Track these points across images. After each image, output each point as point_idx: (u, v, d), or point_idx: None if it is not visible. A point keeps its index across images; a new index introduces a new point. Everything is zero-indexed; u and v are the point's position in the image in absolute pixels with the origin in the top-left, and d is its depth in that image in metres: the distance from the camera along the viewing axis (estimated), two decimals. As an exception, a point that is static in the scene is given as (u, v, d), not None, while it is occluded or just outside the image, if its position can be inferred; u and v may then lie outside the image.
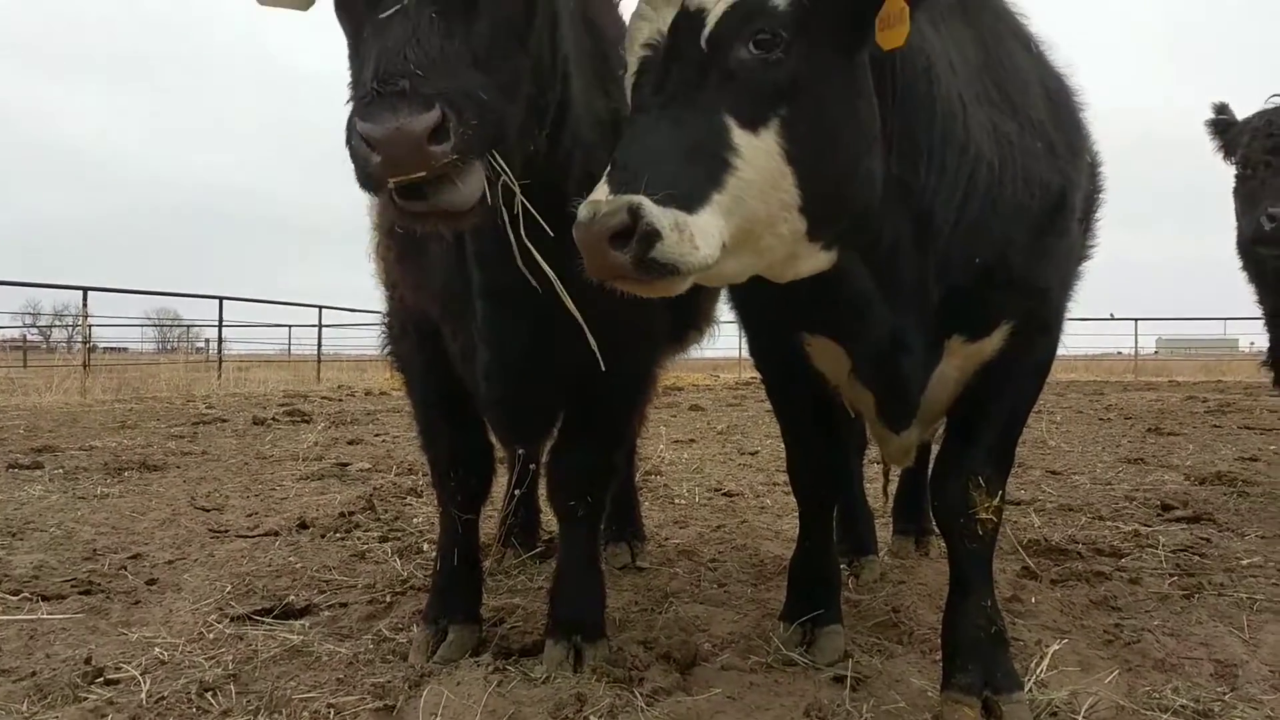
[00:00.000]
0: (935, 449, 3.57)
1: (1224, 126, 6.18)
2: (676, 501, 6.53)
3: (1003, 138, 2.69)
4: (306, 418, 12.71)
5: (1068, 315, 3.23)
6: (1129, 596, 4.03)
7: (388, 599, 4.02)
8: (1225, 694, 3.02)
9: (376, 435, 10.83)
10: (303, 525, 5.50)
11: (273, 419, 12.39)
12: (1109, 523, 5.63)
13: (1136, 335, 34.89)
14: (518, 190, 2.43)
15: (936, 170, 2.55)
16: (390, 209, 2.32)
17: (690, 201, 2.09)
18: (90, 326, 21.01)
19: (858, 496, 4.70)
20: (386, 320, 3.66)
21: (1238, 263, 6.34)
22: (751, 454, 9.14)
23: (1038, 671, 3.09)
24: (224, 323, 26.72)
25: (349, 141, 2.12)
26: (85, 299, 20.28)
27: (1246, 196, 5.80)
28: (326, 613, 3.87)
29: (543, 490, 3.97)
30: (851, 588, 4.21)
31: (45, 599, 3.98)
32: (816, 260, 2.46)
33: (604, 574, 3.55)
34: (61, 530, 5.30)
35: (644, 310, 2.46)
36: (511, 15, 2.38)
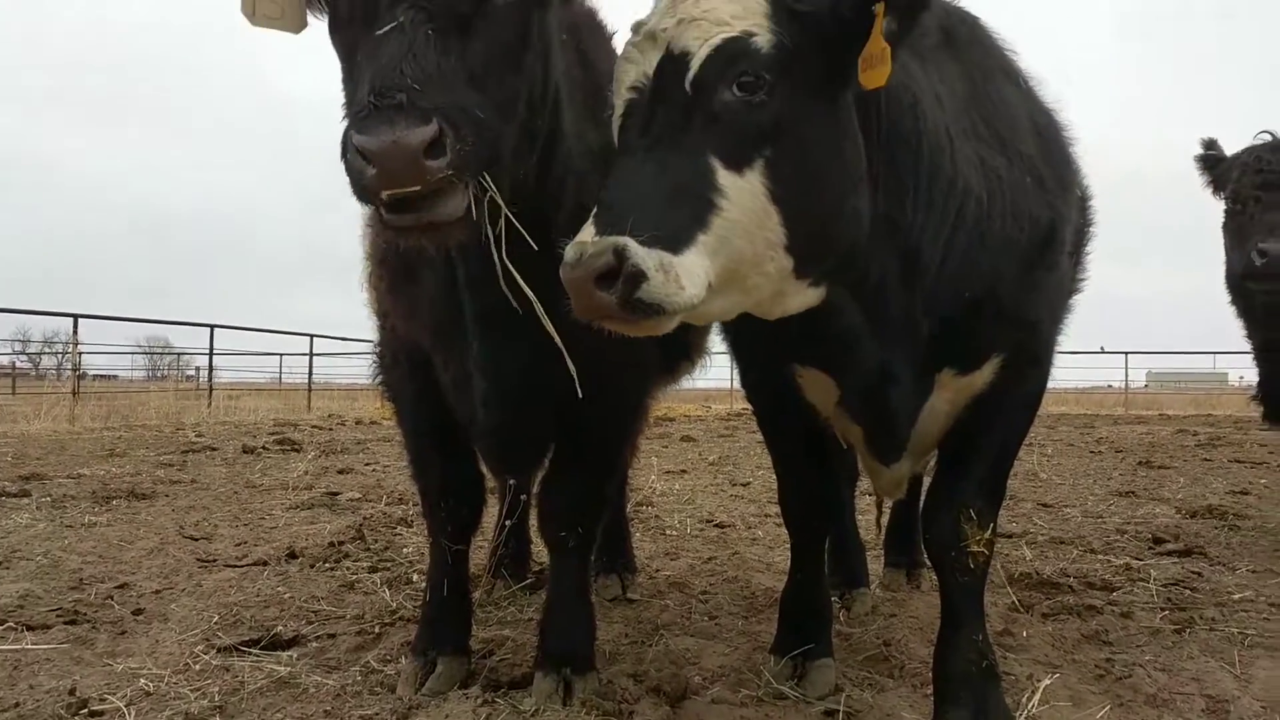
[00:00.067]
0: (927, 481, 3.57)
1: (1213, 162, 6.23)
2: (668, 533, 6.50)
3: (991, 172, 2.72)
4: (297, 446, 12.66)
5: (1058, 348, 3.24)
6: (1120, 631, 4.02)
7: (376, 630, 3.99)
8: (1217, 730, 3.01)
9: (367, 464, 10.78)
10: (292, 555, 5.46)
11: (263, 447, 12.33)
12: (1100, 556, 5.63)
13: (1127, 369, 35.11)
14: (504, 208, 2.43)
15: (924, 206, 2.58)
16: (377, 222, 2.32)
17: (676, 242, 2.11)
18: (80, 354, 20.98)
19: (849, 528, 4.70)
20: (378, 349, 3.66)
21: (1227, 297, 6.37)
22: (743, 485, 9.12)
23: (1029, 706, 3.07)
24: (215, 351, 26.69)
25: (344, 154, 2.12)
26: (76, 326, 20.27)
27: (1236, 231, 5.83)
28: (314, 644, 3.83)
29: (533, 521, 3.96)
30: (843, 620, 4.20)
31: (30, 629, 3.95)
32: (804, 297, 2.48)
33: (594, 606, 3.53)
34: (48, 559, 5.25)
35: (635, 341, 2.47)
36: (507, 37, 2.40)
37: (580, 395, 2.72)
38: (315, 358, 30.00)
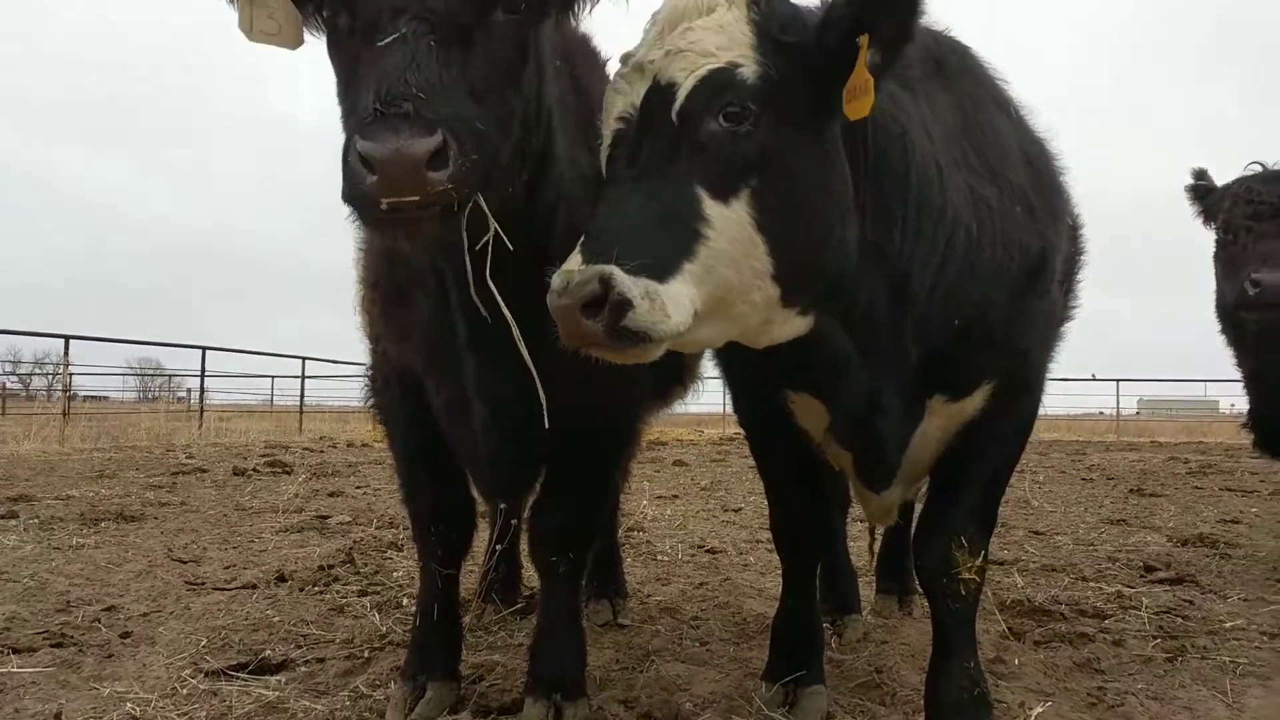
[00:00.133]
0: (919, 508, 3.57)
1: (1204, 192, 6.27)
2: (659, 558, 6.48)
3: (981, 201, 2.74)
4: (287, 469, 12.61)
5: (1049, 375, 3.26)
6: (1112, 659, 4.02)
7: (366, 654, 3.97)
8: (1209, 759, 3.00)
9: (358, 487, 10.74)
10: (281, 578, 5.43)
11: (253, 470, 12.29)
12: (1092, 584, 5.62)
13: (1118, 396, 35.14)
14: (493, 224, 2.43)
15: (912, 235, 2.59)
16: (357, 217, 2.28)
17: (662, 271, 2.13)
18: (71, 375, 20.89)
19: (841, 555, 4.69)
20: (370, 373, 3.66)
21: (1217, 326, 6.40)
22: (735, 510, 9.10)
23: (1021, 734, 3.07)
24: (206, 373, 26.63)
25: (346, 159, 2.10)
26: (67, 347, 20.21)
27: (1228, 261, 5.86)
28: (303, 668, 3.81)
29: (524, 545, 3.95)
30: (834, 647, 4.18)
31: (16, 651, 3.91)
32: (792, 325, 2.49)
33: (585, 631, 3.51)
34: (35, 581, 5.21)
35: (627, 366, 2.47)
36: (506, 54, 2.41)
37: (548, 424, 2.71)
38: (307, 380, 29.97)
